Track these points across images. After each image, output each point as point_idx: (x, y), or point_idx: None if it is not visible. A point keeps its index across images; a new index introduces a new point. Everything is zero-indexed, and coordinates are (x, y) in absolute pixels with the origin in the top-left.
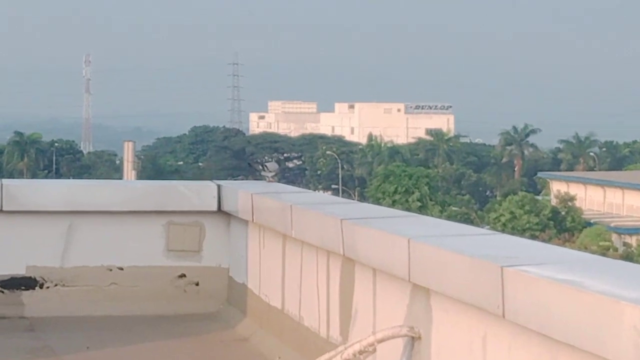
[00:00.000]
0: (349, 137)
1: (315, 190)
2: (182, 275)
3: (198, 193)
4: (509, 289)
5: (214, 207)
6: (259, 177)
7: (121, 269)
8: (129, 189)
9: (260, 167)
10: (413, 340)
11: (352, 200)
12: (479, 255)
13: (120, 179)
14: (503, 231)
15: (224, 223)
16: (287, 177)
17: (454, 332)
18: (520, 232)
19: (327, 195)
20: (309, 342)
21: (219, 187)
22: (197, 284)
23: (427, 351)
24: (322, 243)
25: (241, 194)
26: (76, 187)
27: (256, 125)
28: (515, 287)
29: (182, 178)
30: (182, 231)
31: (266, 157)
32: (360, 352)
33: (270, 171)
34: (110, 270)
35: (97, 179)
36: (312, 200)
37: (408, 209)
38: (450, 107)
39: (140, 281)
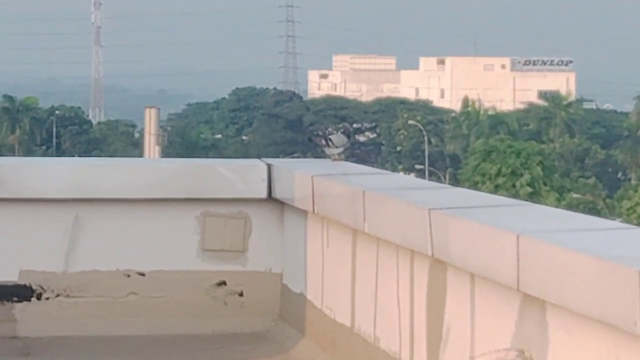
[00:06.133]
0: (437, 102)
1: (394, 172)
2: (222, 283)
3: (242, 175)
4: None
5: (263, 194)
6: (321, 155)
7: (142, 274)
8: (152, 170)
9: (323, 141)
10: None
11: (442, 185)
12: (610, 256)
13: (141, 156)
14: None
15: (275, 214)
16: (357, 154)
17: (576, 357)
18: None
19: (411, 178)
20: None
21: (269, 167)
22: (240, 294)
23: None
24: (405, 240)
25: (298, 176)
26: (83, 167)
27: (317, 86)
28: None
29: (220, 155)
30: (221, 225)
31: (330, 129)
32: None
33: (336, 146)
34: (128, 276)
35: (110, 156)
36: (391, 185)
37: (515, 196)
38: (571, 62)
39: (167, 291)
